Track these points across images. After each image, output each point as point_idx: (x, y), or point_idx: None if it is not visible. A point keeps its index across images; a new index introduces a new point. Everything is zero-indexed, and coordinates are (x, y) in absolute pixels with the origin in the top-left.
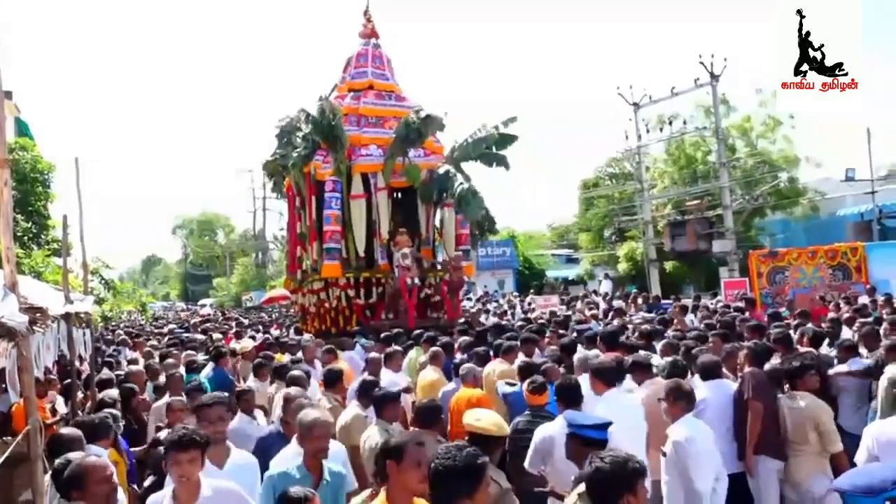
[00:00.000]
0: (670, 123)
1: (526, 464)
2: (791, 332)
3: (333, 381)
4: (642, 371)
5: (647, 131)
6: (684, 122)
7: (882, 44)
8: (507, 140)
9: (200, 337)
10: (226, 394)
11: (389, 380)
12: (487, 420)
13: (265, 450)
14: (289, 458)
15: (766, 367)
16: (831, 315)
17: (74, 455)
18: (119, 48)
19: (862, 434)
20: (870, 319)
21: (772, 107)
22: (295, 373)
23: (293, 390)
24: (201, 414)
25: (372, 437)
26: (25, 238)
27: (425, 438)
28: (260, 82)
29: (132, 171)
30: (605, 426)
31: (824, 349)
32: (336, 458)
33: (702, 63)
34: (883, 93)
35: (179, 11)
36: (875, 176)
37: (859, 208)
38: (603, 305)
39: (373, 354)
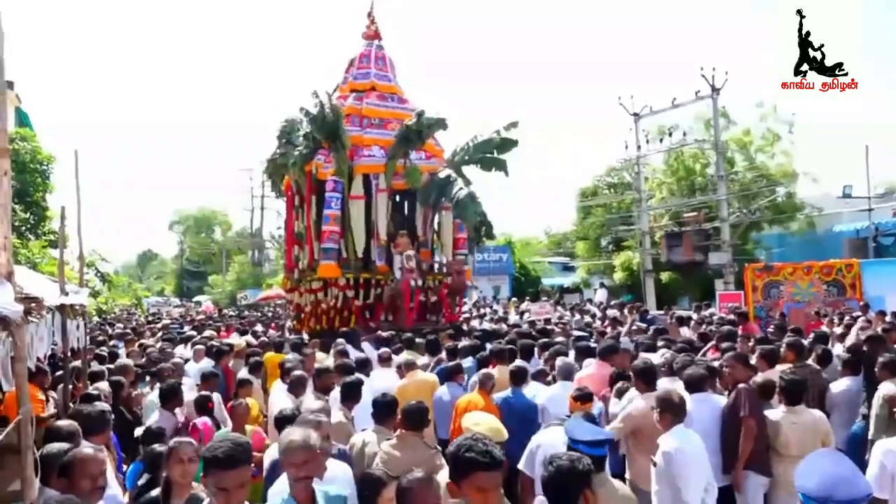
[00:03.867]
0: (670, 135)
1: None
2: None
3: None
4: (648, 379)
5: (647, 142)
6: (684, 134)
7: (882, 44)
8: (508, 144)
9: (193, 333)
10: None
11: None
12: (485, 424)
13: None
14: (280, 488)
15: (758, 378)
16: (820, 330)
17: (62, 445)
18: (121, 42)
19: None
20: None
21: (771, 121)
22: (297, 373)
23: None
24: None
25: (371, 443)
26: (23, 228)
27: (412, 441)
28: (261, 81)
29: (131, 165)
30: (601, 443)
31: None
32: (337, 480)
33: (703, 76)
34: (883, 93)
35: (183, 7)
36: (872, 193)
37: (855, 225)
38: (598, 314)
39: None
